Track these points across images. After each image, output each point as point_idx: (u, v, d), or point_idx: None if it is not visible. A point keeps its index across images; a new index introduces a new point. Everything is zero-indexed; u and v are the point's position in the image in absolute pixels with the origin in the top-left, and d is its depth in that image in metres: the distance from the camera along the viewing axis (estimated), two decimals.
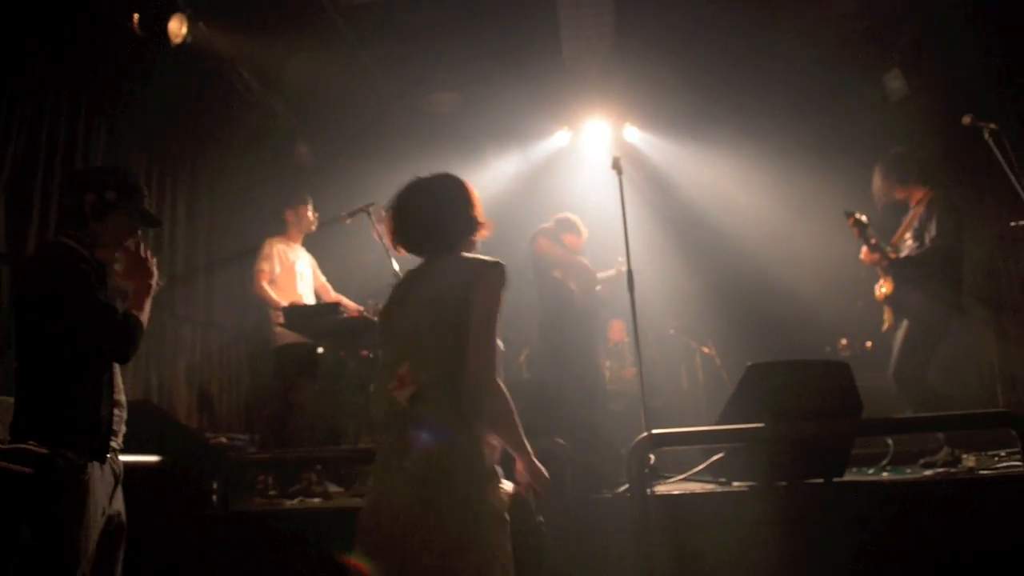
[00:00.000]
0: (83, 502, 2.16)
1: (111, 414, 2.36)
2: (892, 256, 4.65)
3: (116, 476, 2.36)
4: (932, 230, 4.55)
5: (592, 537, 3.04)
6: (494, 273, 2.14)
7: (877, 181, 4.89)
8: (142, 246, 2.55)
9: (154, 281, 2.53)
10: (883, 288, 4.70)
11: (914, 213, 4.74)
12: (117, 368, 2.45)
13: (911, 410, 4.36)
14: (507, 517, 2.04)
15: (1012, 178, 4.22)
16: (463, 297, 2.09)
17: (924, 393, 4.39)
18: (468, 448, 2.02)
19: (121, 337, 2.37)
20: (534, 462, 2.15)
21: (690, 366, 7.02)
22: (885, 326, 4.83)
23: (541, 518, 2.29)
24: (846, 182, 6.29)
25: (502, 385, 2.09)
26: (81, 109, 4.84)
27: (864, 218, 4.68)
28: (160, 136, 5.63)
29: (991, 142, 4.29)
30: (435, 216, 2.33)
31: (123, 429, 2.44)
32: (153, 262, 2.55)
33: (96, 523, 2.19)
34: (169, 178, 5.78)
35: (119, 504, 2.37)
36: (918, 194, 4.75)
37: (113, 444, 2.36)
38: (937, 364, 4.94)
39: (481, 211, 2.38)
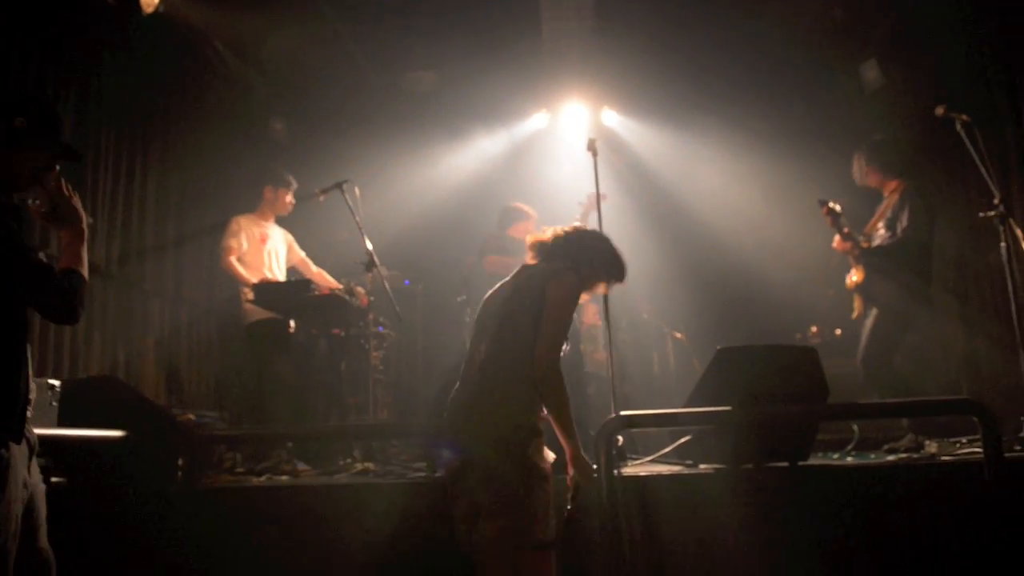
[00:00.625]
0: (4, 479, 1.99)
1: (28, 388, 2.12)
2: (864, 245, 4.70)
3: (31, 446, 2.19)
4: (904, 221, 4.61)
5: (561, 513, 3.05)
6: (568, 275, 2.59)
7: (856, 165, 4.95)
8: (64, 183, 2.25)
9: (84, 224, 2.27)
10: (854, 277, 4.76)
11: (888, 203, 4.79)
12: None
13: (877, 396, 4.43)
14: (545, 473, 2.40)
15: (982, 169, 4.26)
16: (540, 289, 2.54)
17: (891, 379, 4.45)
18: (521, 405, 2.44)
19: (66, 297, 2.13)
20: (581, 455, 2.53)
21: (662, 351, 7.04)
22: (855, 314, 4.89)
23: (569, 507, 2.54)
24: (821, 171, 6.33)
25: (562, 376, 2.46)
26: (49, 81, 4.73)
27: (837, 207, 4.72)
28: (131, 109, 5.52)
29: (963, 133, 4.33)
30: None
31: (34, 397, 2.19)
32: (78, 200, 2.27)
33: (19, 497, 2.04)
34: (140, 151, 5.67)
35: (36, 475, 2.21)
36: (892, 184, 4.81)
37: (27, 414, 2.13)
38: (905, 353, 5.01)
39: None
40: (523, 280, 2.64)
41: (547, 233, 2.79)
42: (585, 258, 2.70)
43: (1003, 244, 4.25)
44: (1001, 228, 4.26)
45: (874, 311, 4.64)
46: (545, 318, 2.47)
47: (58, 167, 2.27)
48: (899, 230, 4.61)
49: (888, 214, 4.75)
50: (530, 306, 2.51)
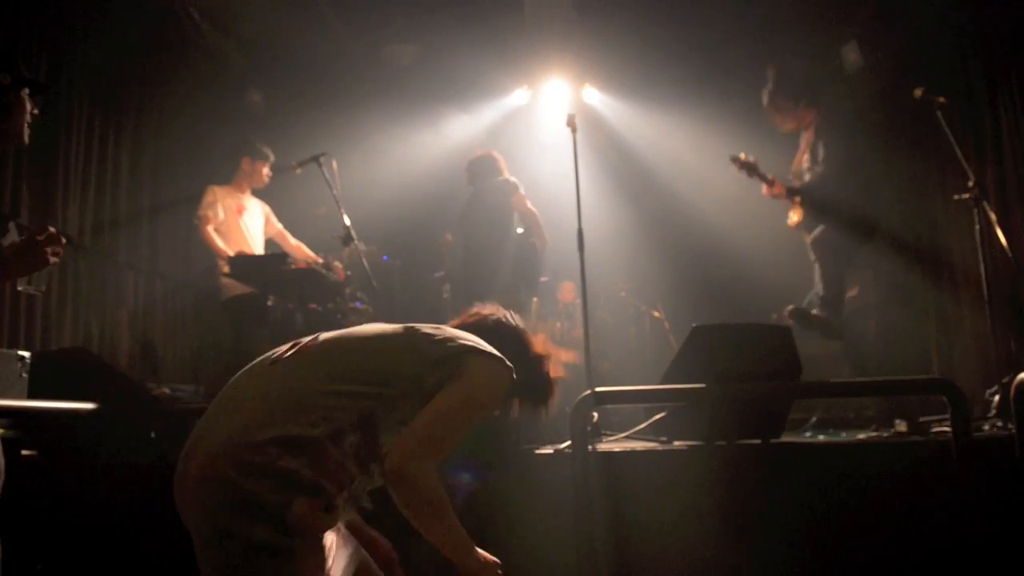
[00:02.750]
0: None
1: None
2: (795, 185, 4.80)
3: None
4: (820, 152, 4.71)
5: (533, 492, 3.06)
6: (498, 365, 1.84)
7: (768, 110, 5.00)
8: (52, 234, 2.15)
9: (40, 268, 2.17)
10: (793, 217, 4.86)
11: (806, 137, 4.85)
12: None
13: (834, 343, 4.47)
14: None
15: (957, 151, 4.28)
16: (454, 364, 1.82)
17: (837, 320, 4.53)
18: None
19: None
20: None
21: (639, 329, 7.07)
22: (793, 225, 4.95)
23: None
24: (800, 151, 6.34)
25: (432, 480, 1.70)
26: (20, 45, 4.61)
27: (751, 158, 4.79)
28: (105, 77, 5.41)
29: (940, 115, 4.35)
30: None
31: None
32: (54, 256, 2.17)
33: None
34: (113, 120, 5.56)
35: None
36: (807, 117, 4.85)
37: None
38: (877, 332, 5.07)
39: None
40: (431, 330, 1.86)
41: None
42: (524, 373, 1.93)
43: (976, 226, 4.29)
44: (975, 211, 4.30)
45: (817, 252, 4.70)
46: (442, 402, 1.71)
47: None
48: (820, 160, 4.71)
49: (809, 149, 4.82)
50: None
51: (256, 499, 1.53)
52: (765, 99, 4.97)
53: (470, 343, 1.82)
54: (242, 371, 1.80)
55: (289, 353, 1.76)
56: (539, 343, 2.07)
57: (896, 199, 6.21)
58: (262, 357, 1.81)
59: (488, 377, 1.80)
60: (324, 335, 1.83)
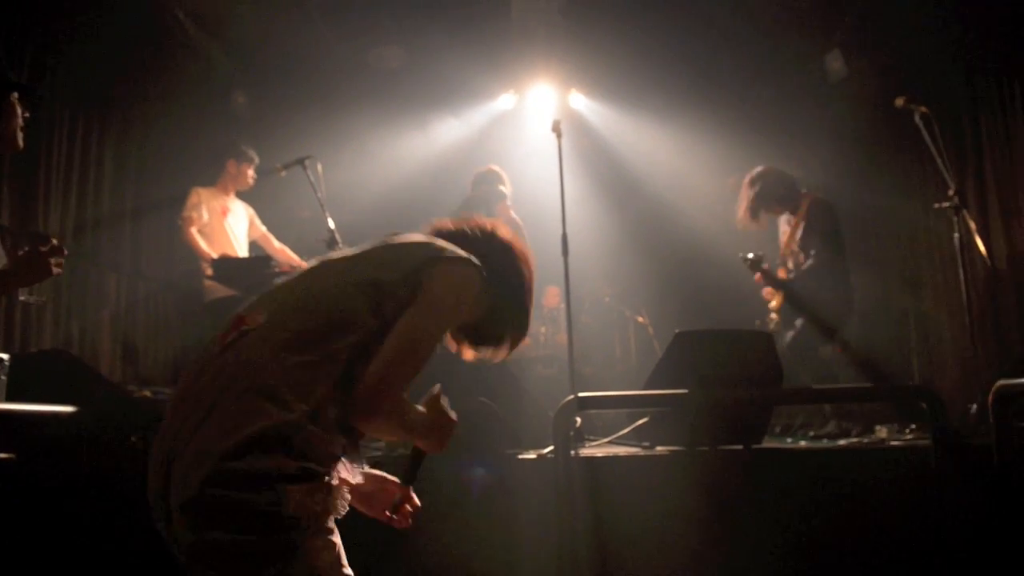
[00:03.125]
0: None
1: None
2: (781, 275, 4.87)
3: None
4: (813, 244, 4.69)
5: (515, 497, 3.06)
6: (467, 268, 1.70)
7: (741, 212, 4.98)
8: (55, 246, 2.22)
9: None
10: (773, 302, 4.90)
11: (796, 222, 4.85)
12: None
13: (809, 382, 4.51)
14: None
15: (938, 160, 4.33)
16: (413, 269, 1.65)
17: (816, 364, 4.56)
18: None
19: None
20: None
21: (623, 334, 7.09)
22: (771, 327, 4.96)
23: None
24: (784, 159, 6.38)
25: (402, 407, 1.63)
26: (2, 45, 4.57)
27: (756, 255, 4.82)
28: (89, 78, 5.37)
29: (921, 125, 4.40)
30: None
31: None
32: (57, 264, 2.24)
33: None
34: (96, 120, 5.52)
35: None
36: (800, 206, 4.86)
37: None
38: (859, 338, 5.11)
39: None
40: (381, 251, 1.71)
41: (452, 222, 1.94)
42: (496, 272, 1.77)
43: (956, 235, 4.34)
44: (955, 219, 4.34)
45: (789, 333, 4.74)
46: (407, 319, 1.57)
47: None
48: (812, 254, 4.68)
49: (799, 235, 4.82)
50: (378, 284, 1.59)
51: (245, 506, 1.39)
52: (745, 205, 4.95)
53: (427, 252, 1.66)
54: (186, 371, 1.60)
55: (234, 336, 1.55)
56: (509, 234, 1.93)
57: (877, 207, 6.27)
58: (204, 349, 1.61)
59: (453, 278, 1.64)
60: (262, 304, 1.62)
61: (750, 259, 4.89)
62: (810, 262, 4.69)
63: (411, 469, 1.81)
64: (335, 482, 1.52)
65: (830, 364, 4.76)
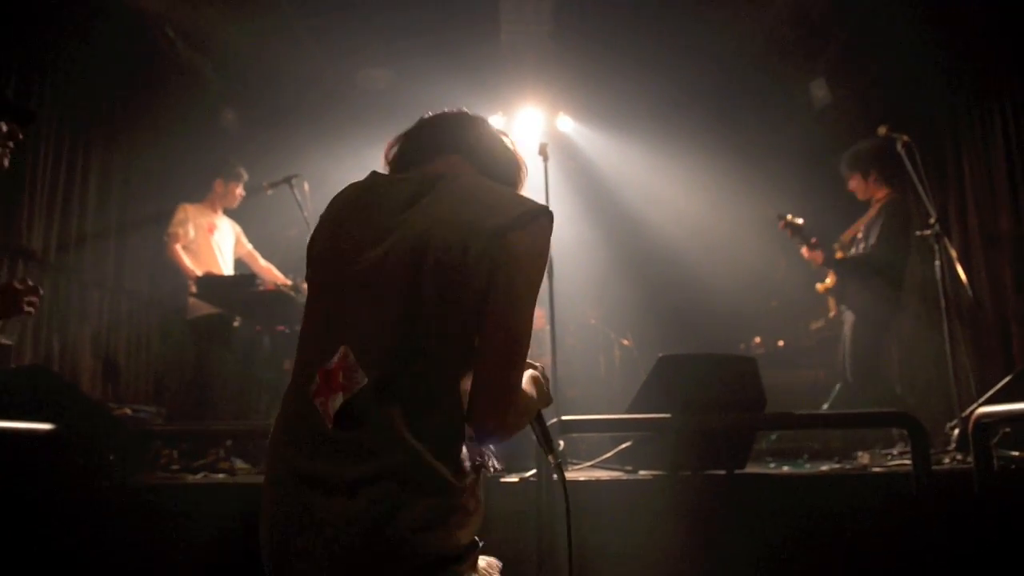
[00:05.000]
0: None
1: None
2: (838, 255, 4.86)
3: None
4: (877, 233, 4.76)
5: (497, 520, 3.04)
6: (542, 220, 1.45)
7: (846, 172, 5.09)
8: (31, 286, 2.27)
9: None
10: (826, 280, 4.95)
11: (870, 212, 4.93)
12: None
13: (869, 406, 4.55)
14: None
15: (920, 188, 4.39)
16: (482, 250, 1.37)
17: (879, 389, 4.59)
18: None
19: None
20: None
21: (608, 357, 7.09)
22: (831, 313, 5.04)
23: None
24: (769, 185, 6.45)
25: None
26: None
27: (799, 220, 4.86)
28: (76, 94, 5.37)
29: (903, 153, 4.46)
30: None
31: None
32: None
33: None
34: (82, 135, 5.52)
35: None
36: (879, 194, 4.95)
37: None
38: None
39: None
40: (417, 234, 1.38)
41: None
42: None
43: (937, 262, 4.38)
44: (936, 246, 4.39)
45: (850, 319, 4.77)
46: (503, 320, 1.36)
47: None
48: (871, 243, 4.76)
49: (867, 223, 4.89)
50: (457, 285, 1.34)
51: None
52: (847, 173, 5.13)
53: (492, 219, 1.37)
54: (286, 448, 1.38)
55: (337, 404, 1.32)
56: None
57: (903, 229, 6.33)
58: (291, 417, 1.40)
59: (533, 247, 1.39)
60: (338, 350, 1.35)
61: (788, 219, 4.87)
62: (865, 247, 4.77)
63: (544, 432, 1.62)
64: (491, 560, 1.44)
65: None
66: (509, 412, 1.37)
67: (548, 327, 4.20)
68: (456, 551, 1.30)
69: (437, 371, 1.34)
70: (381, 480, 1.27)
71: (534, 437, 1.65)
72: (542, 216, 1.41)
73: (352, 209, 1.50)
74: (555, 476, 1.63)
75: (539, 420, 1.62)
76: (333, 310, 1.40)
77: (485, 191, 1.45)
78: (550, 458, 1.59)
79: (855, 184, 5.05)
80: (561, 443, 3.56)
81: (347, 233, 1.45)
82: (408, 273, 1.34)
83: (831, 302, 5.12)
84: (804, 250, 4.90)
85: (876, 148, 4.94)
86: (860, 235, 4.92)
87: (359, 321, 1.36)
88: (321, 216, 1.56)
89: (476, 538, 1.38)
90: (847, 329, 4.81)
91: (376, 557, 1.24)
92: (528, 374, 1.54)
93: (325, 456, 1.31)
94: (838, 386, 4.95)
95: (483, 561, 1.41)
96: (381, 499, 1.26)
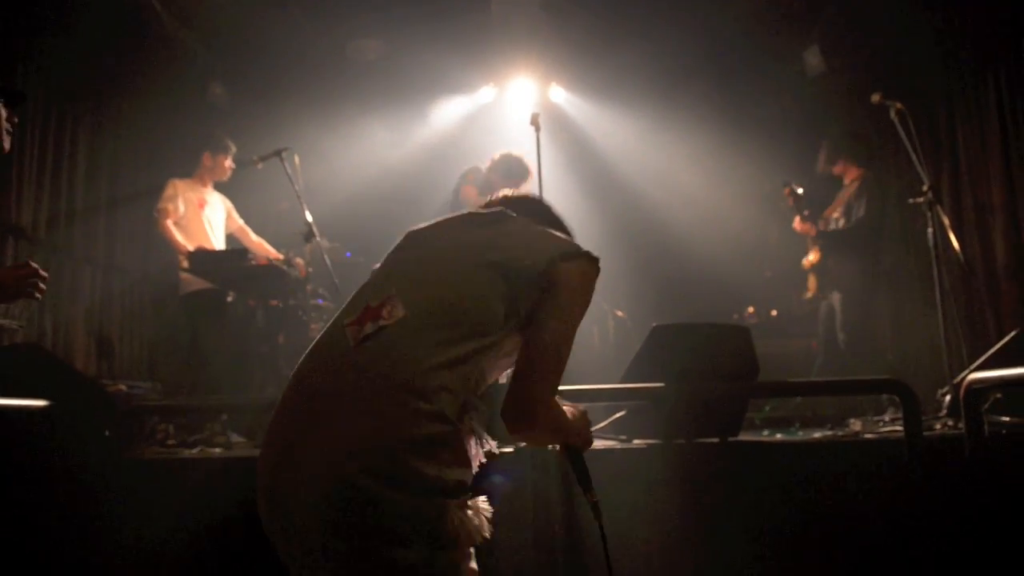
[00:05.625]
0: None
1: None
2: (822, 228, 4.94)
3: None
4: (860, 210, 4.98)
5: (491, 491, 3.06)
6: (584, 260, 1.60)
7: (823, 153, 5.34)
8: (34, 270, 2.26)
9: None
10: (810, 256, 5.03)
11: (847, 191, 5.02)
12: None
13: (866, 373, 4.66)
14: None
15: (913, 156, 4.38)
16: (541, 264, 1.53)
17: (870, 357, 4.75)
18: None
19: None
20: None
21: (603, 328, 7.10)
22: (808, 294, 5.12)
23: None
24: (762, 154, 6.43)
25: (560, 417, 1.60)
26: None
27: (800, 190, 5.00)
28: (62, 68, 5.29)
29: (896, 120, 4.44)
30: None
31: None
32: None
33: None
34: (70, 111, 5.45)
35: None
36: (853, 173, 5.06)
37: None
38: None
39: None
40: (503, 237, 1.60)
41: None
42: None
43: (930, 230, 4.39)
44: (929, 214, 4.39)
45: (836, 295, 4.88)
46: (552, 324, 1.50)
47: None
48: (855, 217, 4.96)
49: (846, 201, 5.00)
50: (515, 286, 1.49)
51: (403, 513, 1.30)
52: (821, 155, 5.37)
53: (556, 247, 1.57)
54: (312, 363, 1.48)
55: (372, 329, 1.42)
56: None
57: (881, 205, 6.36)
58: (328, 340, 1.49)
59: (585, 277, 1.57)
60: (393, 290, 1.48)
61: (793, 187, 5.12)
62: (848, 224, 4.99)
63: (582, 470, 1.69)
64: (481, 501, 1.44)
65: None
66: (536, 422, 1.49)
67: None
68: (446, 484, 1.35)
69: (470, 340, 1.43)
70: (389, 394, 1.34)
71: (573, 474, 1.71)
72: (591, 256, 1.60)
73: (450, 222, 1.69)
74: (594, 517, 1.68)
75: (574, 454, 1.70)
76: (394, 269, 1.59)
77: (545, 230, 1.67)
78: (588, 497, 1.66)
79: (837, 163, 5.29)
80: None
81: (443, 233, 1.66)
82: (475, 254, 1.53)
83: (811, 281, 5.18)
84: (796, 220, 5.01)
85: (846, 132, 5.34)
86: (838, 213, 5.04)
87: (418, 277, 1.52)
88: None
89: (467, 482, 1.43)
90: (836, 304, 4.89)
91: (370, 467, 1.29)
92: (572, 406, 1.67)
93: (336, 371, 1.41)
94: (818, 360, 5.05)
95: (474, 504, 1.43)
96: (384, 412, 1.33)
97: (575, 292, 1.54)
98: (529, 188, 5.09)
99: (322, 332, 1.54)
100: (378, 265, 1.65)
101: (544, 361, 1.48)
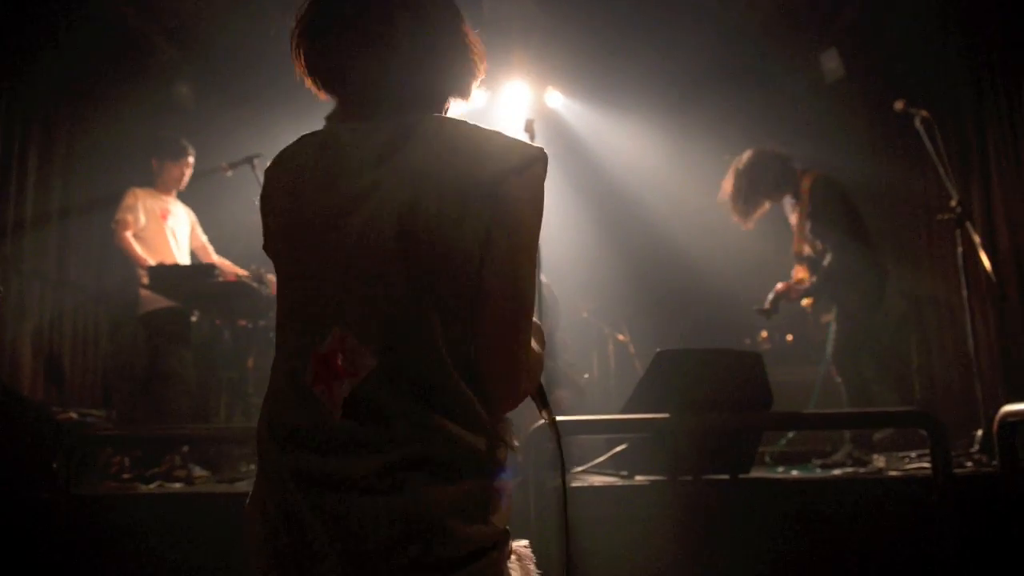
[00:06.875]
0: None
1: None
2: (802, 277, 4.91)
3: None
4: (828, 225, 4.70)
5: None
6: (538, 167, 1.38)
7: (741, 207, 4.99)
8: None
9: None
10: (803, 302, 5.01)
11: (803, 204, 4.86)
12: None
13: (846, 399, 4.61)
14: None
15: (940, 168, 4.39)
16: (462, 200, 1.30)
17: (856, 382, 4.64)
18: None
19: None
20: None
21: (602, 353, 7.10)
22: (809, 309, 5.09)
23: None
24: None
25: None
26: None
27: (771, 303, 4.95)
28: (11, 65, 5.29)
29: (922, 129, 4.46)
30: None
31: None
32: None
33: None
34: (19, 110, 5.43)
35: None
36: (785, 195, 4.93)
37: None
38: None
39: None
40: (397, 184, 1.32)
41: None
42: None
43: (959, 249, 4.40)
44: (958, 232, 4.40)
45: (832, 327, 4.87)
46: (508, 276, 1.32)
47: None
48: (830, 242, 4.69)
49: (808, 217, 4.84)
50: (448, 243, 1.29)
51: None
52: (736, 203, 5.00)
53: (488, 161, 1.34)
54: (292, 454, 1.33)
55: (343, 392, 1.30)
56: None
57: (874, 217, 6.36)
58: (297, 408, 1.33)
59: (535, 193, 1.36)
60: (332, 331, 1.31)
61: (765, 310, 4.98)
62: (828, 257, 4.68)
63: (541, 391, 1.53)
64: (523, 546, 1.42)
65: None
66: (522, 377, 1.36)
67: (537, 321, 4.19)
68: (493, 538, 1.30)
69: (445, 343, 1.30)
70: (410, 468, 1.25)
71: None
72: (539, 161, 1.37)
73: (311, 171, 1.39)
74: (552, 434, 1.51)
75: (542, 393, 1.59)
76: (315, 290, 1.35)
77: (471, 136, 1.39)
78: (543, 414, 1.52)
79: (767, 201, 5.00)
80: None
81: (311, 202, 1.36)
82: (399, 244, 1.28)
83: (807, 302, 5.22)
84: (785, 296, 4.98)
85: (757, 173, 4.91)
86: (807, 233, 4.87)
87: (351, 299, 1.31)
88: (269, 174, 1.46)
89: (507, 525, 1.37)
90: (833, 333, 4.84)
91: (406, 555, 1.23)
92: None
93: (337, 450, 1.28)
94: (817, 389, 5.03)
95: (515, 545, 1.39)
96: (411, 489, 1.24)
97: (530, 214, 1.35)
98: None
99: (275, 384, 1.40)
100: (287, 249, 1.41)
101: (525, 317, 1.34)
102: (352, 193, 1.33)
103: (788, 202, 5.01)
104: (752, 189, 4.88)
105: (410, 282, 1.29)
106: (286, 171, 1.43)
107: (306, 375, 1.31)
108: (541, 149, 1.39)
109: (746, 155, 4.94)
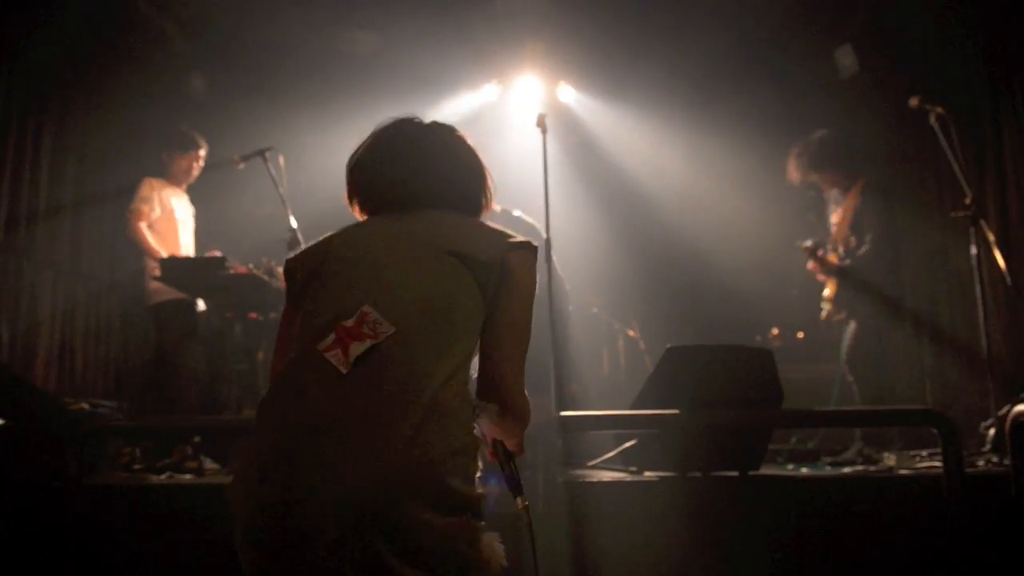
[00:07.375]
0: None
1: None
2: (832, 259, 5.00)
3: None
4: (871, 228, 4.86)
5: (494, 523, 3.05)
6: (533, 253, 1.71)
7: (797, 160, 5.22)
8: None
9: None
10: (826, 290, 5.02)
11: (848, 205, 4.95)
12: None
13: (858, 399, 4.63)
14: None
15: (955, 166, 4.37)
16: (497, 259, 1.64)
17: (877, 387, 4.67)
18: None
19: None
20: None
21: (612, 349, 7.10)
22: (823, 315, 5.10)
23: None
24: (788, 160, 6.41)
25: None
26: None
27: (809, 243, 4.98)
28: (26, 56, 5.31)
29: (937, 127, 4.44)
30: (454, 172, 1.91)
31: None
32: None
33: None
34: (34, 102, 5.46)
35: None
36: (843, 182, 5.03)
37: None
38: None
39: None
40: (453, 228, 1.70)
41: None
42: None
43: (973, 247, 4.38)
44: (972, 230, 4.38)
45: (852, 326, 4.89)
46: (516, 314, 1.62)
47: None
48: (867, 239, 4.82)
49: (851, 216, 4.92)
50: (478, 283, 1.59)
51: (439, 537, 1.37)
52: (795, 168, 5.24)
53: (499, 236, 1.69)
54: (285, 401, 1.48)
55: (363, 351, 1.45)
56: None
57: (888, 213, 6.33)
58: (292, 377, 1.50)
59: (531, 269, 1.69)
60: (369, 304, 1.51)
61: (808, 247, 5.09)
62: (865, 247, 4.86)
63: (517, 476, 1.69)
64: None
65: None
66: (518, 409, 1.60)
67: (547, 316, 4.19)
68: (473, 501, 1.45)
69: (460, 343, 1.53)
70: (407, 417, 1.39)
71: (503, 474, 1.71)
72: (531, 245, 1.70)
73: (362, 226, 1.83)
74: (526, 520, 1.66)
75: (508, 456, 1.72)
76: (348, 279, 1.58)
77: (479, 221, 1.80)
78: (518, 501, 1.66)
79: (823, 179, 5.21)
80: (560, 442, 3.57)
81: (359, 232, 1.78)
82: (431, 246, 1.61)
83: (829, 305, 5.21)
84: (809, 264, 5.04)
85: (836, 136, 5.19)
86: (847, 231, 4.99)
87: (382, 282, 1.55)
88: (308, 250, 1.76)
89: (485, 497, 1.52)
90: (849, 335, 4.88)
91: (411, 491, 1.36)
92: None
93: (336, 398, 1.42)
94: (835, 390, 5.06)
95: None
96: (411, 433, 1.38)
97: (529, 281, 1.67)
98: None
99: (288, 363, 1.53)
100: (316, 279, 1.63)
101: (521, 348, 1.61)
102: (386, 231, 1.72)
103: (834, 194, 5.17)
104: (819, 152, 5.11)
105: (440, 273, 1.58)
106: (320, 244, 1.76)
107: (324, 343, 1.47)
108: (530, 242, 1.71)
109: (828, 131, 5.23)
